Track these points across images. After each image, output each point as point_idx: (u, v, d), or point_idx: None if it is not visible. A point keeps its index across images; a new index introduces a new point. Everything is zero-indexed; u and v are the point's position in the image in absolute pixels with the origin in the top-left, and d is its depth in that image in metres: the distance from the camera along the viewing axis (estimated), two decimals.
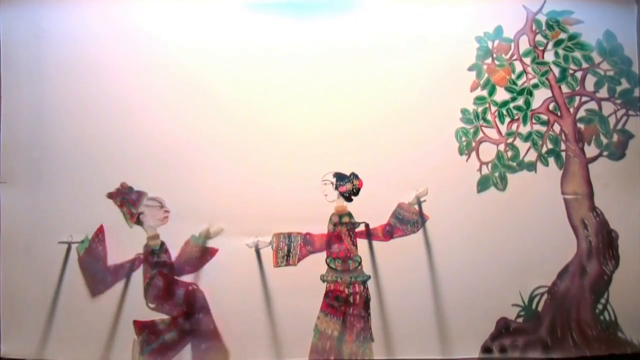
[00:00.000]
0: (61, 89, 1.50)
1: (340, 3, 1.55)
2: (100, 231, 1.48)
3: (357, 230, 1.50)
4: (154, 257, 1.48)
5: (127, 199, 1.48)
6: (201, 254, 1.48)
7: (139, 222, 1.48)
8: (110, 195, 1.48)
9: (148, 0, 1.53)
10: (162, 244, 1.48)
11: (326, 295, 1.49)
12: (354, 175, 1.51)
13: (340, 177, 1.51)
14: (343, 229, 1.50)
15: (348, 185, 1.50)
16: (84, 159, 1.50)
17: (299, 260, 1.49)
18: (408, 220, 1.50)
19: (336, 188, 1.51)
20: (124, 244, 1.48)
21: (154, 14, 1.53)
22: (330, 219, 1.51)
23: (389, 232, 1.50)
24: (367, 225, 1.50)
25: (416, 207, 1.50)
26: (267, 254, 1.49)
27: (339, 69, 1.53)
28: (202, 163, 1.50)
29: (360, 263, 1.50)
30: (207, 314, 1.47)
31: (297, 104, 1.52)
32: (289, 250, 1.49)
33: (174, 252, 1.49)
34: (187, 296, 1.47)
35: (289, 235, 1.50)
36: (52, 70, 1.51)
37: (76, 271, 1.47)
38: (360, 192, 1.51)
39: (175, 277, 1.48)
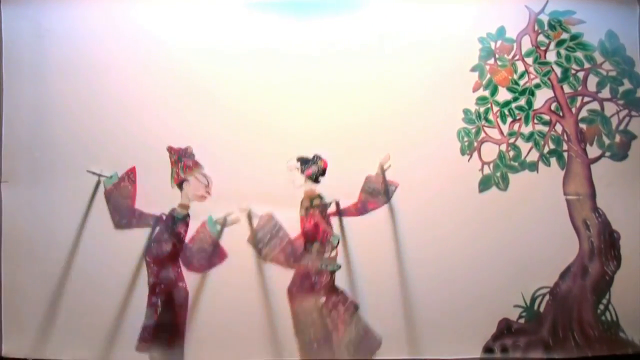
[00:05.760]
0: (63, 88, 1.51)
1: (342, 4, 1.55)
2: (131, 171, 1.49)
3: (329, 211, 1.50)
4: (173, 223, 1.49)
5: (182, 161, 1.49)
6: (212, 249, 1.48)
7: (180, 186, 1.49)
8: (170, 149, 1.49)
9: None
10: (187, 216, 1.49)
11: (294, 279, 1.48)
12: (317, 157, 1.50)
13: (304, 161, 1.50)
14: (315, 211, 1.50)
15: (313, 168, 1.50)
16: (86, 158, 1.50)
17: (271, 262, 1.48)
18: (378, 190, 1.50)
19: (302, 172, 1.50)
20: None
21: (156, 14, 1.53)
22: (302, 203, 1.50)
23: (362, 208, 1.49)
24: (337, 203, 1.50)
25: (382, 175, 1.50)
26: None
27: (342, 70, 1.53)
28: (203, 162, 1.50)
29: (338, 244, 1.49)
30: (184, 312, 1.47)
31: (299, 104, 1.52)
32: (268, 240, 1.48)
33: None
34: (171, 285, 1.47)
35: (280, 227, 1.49)
36: (54, 69, 1.51)
37: (79, 270, 1.47)
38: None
39: (180, 266, 1.49)
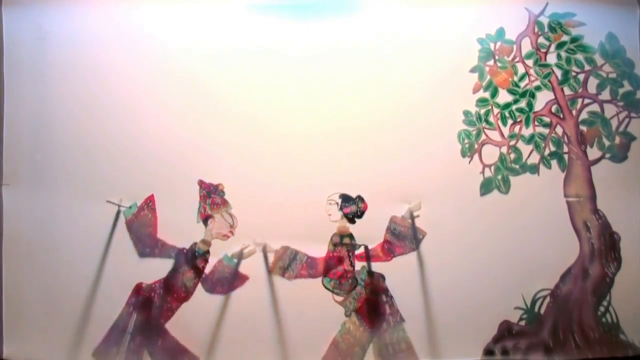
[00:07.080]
0: (64, 90, 1.50)
1: (341, 5, 1.55)
2: (150, 199, 1.48)
3: (356, 252, 1.49)
4: (192, 257, 1.47)
5: (211, 197, 1.48)
6: (232, 277, 1.47)
7: (205, 222, 1.48)
8: (201, 183, 1.48)
9: (151, 2, 1.53)
10: (207, 252, 1.48)
11: (363, 305, 1.48)
12: (360, 198, 1.49)
13: (345, 199, 1.50)
14: (343, 249, 1.49)
15: (353, 207, 1.49)
16: (87, 161, 1.50)
17: (295, 278, 1.48)
18: (405, 235, 1.49)
19: (340, 209, 1.50)
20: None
21: (157, 16, 1.53)
22: (331, 239, 1.50)
23: (389, 250, 1.48)
24: (366, 248, 1.49)
25: (409, 221, 1.49)
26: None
27: (341, 71, 1.53)
28: (205, 165, 1.50)
29: (354, 284, 1.48)
30: (166, 335, 1.45)
31: (298, 106, 1.52)
32: (289, 265, 1.48)
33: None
34: (153, 315, 1.46)
35: (296, 252, 1.48)
36: (55, 72, 1.51)
37: (80, 275, 1.47)
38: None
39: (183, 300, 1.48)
